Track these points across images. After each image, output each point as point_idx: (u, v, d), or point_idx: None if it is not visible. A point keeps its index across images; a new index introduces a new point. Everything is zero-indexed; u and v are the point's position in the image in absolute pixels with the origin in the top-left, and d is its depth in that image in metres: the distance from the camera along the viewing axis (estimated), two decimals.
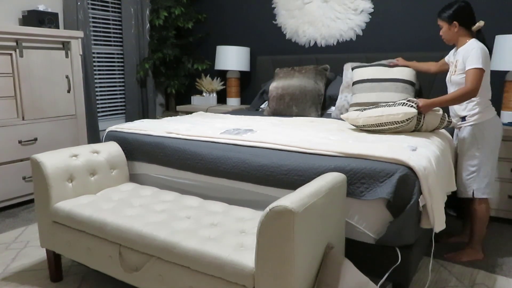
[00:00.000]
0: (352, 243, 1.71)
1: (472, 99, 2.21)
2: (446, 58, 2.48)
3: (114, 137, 2.41)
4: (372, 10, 3.49)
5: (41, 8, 3.30)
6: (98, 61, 4.13)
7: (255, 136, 2.11)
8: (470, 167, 2.24)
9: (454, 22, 2.21)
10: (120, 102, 4.42)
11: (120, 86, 4.38)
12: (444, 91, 3.07)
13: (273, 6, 4.00)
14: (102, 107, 4.23)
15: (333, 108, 3.24)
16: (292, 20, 3.89)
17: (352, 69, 3.04)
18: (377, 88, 2.79)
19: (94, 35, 4.06)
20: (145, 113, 4.50)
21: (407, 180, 1.58)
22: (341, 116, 2.43)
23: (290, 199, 1.28)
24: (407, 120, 2.07)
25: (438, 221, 1.68)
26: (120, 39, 4.31)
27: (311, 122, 2.68)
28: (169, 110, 4.74)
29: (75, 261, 2.20)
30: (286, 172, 1.78)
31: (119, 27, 4.28)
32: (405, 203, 1.57)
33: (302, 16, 3.82)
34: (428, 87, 3.15)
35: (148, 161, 2.25)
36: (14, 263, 2.24)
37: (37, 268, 2.19)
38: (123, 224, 1.66)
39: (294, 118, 2.96)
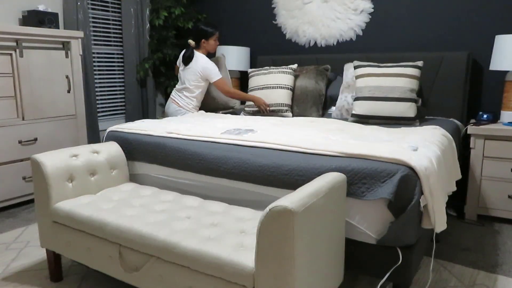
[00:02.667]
0: (353, 243, 1.71)
1: None
2: None
3: (114, 137, 2.41)
4: (372, 10, 3.49)
5: (41, 8, 3.30)
6: (98, 61, 4.13)
7: (255, 136, 2.11)
8: None
9: None
10: (120, 102, 4.41)
11: (120, 86, 4.38)
12: (444, 90, 3.08)
13: (273, 6, 4.00)
14: (102, 107, 4.23)
15: (333, 108, 3.24)
16: (292, 20, 3.89)
17: (355, 67, 3.04)
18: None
19: (94, 35, 4.06)
20: (145, 113, 4.50)
21: (408, 180, 1.57)
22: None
23: (290, 199, 1.28)
24: None
25: (439, 221, 1.67)
26: (120, 39, 4.31)
27: (311, 122, 2.68)
28: None
29: (75, 261, 2.20)
30: (287, 172, 1.78)
31: (119, 27, 4.28)
32: (406, 203, 1.57)
33: (302, 16, 3.82)
34: (429, 87, 3.15)
35: (149, 161, 2.25)
36: (14, 263, 2.24)
37: (37, 268, 2.19)
38: (123, 224, 1.66)
39: (295, 118, 2.95)
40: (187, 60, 3.30)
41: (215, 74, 3.23)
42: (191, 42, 3.30)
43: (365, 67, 2.96)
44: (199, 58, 3.26)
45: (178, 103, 3.36)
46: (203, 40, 3.30)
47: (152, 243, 1.55)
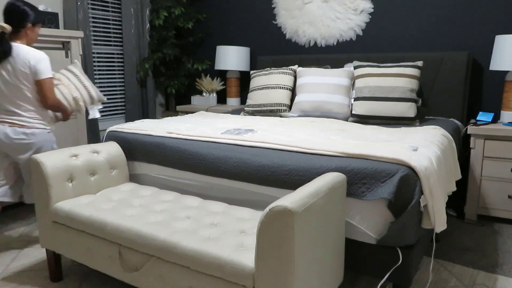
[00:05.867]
0: (353, 243, 1.71)
1: None
2: None
3: (114, 137, 2.41)
4: (372, 10, 3.49)
5: (41, 8, 3.29)
6: (98, 61, 4.13)
7: (256, 136, 2.11)
8: None
9: None
10: (120, 102, 4.41)
11: (120, 86, 4.38)
12: (444, 90, 3.08)
13: (273, 6, 4.00)
14: (102, 107, 4.22)
15: None
16: (292, 20, 3.89)
17: (354, 67, 3.04)
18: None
19: (94, 35, 4.06)
20: (145, 113, 4.50)
21: (409, 180, 1.57)
22: None
23: (290, 199, 1.28)
24: None
25: (439, 221, 1.67)
26: (120, 39, 4.31)
27: (311, 122, 2.68)
28: (169, 110, 4.74)
29: (75, 261, 2.20)
30: (287, 172, 1.78)
31: (119, 27, 4.28)
32: (406, 203, 1.57)
33: (302, 16, 3.82)
34: (429, 87, 3.15)
35: (149, 161, 2.25)
36: (14, 263, 2.24)
37: (37, 268, 2.19)
38: (123, 224, 1.66)
39: (295, 118, 2.95)
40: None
41: (47, 68, 2.27)
42: (5, 26, 2.19)
43: (365, 67, 2.96)
44: (21, 49, 2.23)
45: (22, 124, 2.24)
46: (29, 25, 2.26)
47: (152, 243, 1.55)
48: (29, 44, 2.31)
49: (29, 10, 2.25)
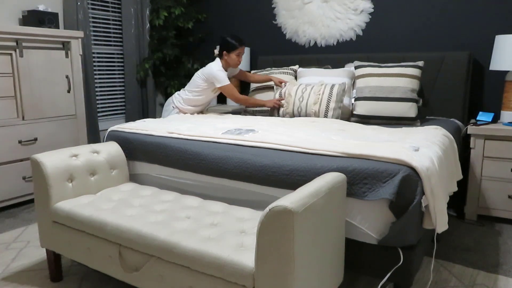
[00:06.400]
0: (354, 244, 1.71)
1: None
2: None
3: (115, 137, 2.41)
4: (372, 10, 3.49)
5: (41, 8, 3.29)
6: (98, 61, 4.13)
7: (256, 136, 2.11)
8: None
9: None
10: (120, 102, 4.41)
11: (120, 86, 4.38)
12: (445, 90, 3.08)
13: (273, 6, 4.00)
14: (102, 107, 4.23)
15: None
16: (292, 20, 3.89)
17: (355, 68, 3.04)
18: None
19: (94, 35, 4.06)
20: (145, 113, 4.49)
21: (410, 181, 1.57)
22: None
23: (290, 199, 1.27)
24: None
25: (440, 221, 1.67)
26: (120, 39, 4.31)
27: (312, 122, 2.68)
28: None
29: (75, 261, 2.19)
30: (288, 173, 1.77)
31: (119, 27, 4.28)
32: (407, 204, 1.57)
33: (302, 16, 3.82)
34: (430, 87, 3.14)
35: (149, 161, 2.25)
36: (14, 263, 2.23)
37: (37, 268, 2.19)
38: (123, 224, 1.66)
39: (295, 118, 2.95)
40: None
41: (219, 79, 3.07)
42: (215, 51, 3.22)
43: (365, 67, 2.96)
44: (211, 62, 3.16)
45: (172, 99, 3.33)
46: (224, 52, 3.12)
47: (152, 243, 1.55)
48: (229, 64, 3.15)
49: (227, 41, 3.10)
